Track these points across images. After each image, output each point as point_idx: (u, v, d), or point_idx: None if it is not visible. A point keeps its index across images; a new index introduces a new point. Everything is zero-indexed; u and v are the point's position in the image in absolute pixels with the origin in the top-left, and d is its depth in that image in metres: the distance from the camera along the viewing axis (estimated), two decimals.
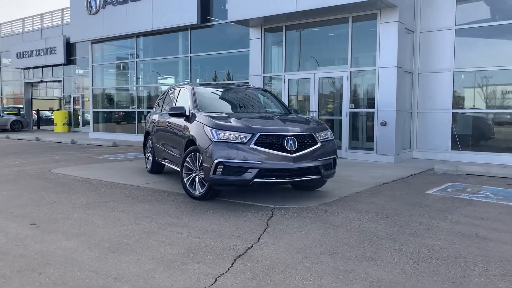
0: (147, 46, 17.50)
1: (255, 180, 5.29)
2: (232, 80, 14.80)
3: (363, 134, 11.15)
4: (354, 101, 11.08)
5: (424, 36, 10.99)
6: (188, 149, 6.00)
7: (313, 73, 11.50)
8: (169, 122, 7.13)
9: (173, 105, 7.25)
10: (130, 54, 17.96)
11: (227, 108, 6.92)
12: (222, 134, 5.45)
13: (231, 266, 3.56)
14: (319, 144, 5.74)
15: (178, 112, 6.44)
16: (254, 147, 5.34)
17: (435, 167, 9.03)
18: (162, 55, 16.94)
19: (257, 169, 5.27)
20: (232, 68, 14.97)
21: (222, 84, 7.97)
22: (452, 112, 10.66)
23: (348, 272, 3.45)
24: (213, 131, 5.51)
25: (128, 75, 18.43)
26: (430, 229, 4.66)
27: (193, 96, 6.66)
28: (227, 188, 5.78)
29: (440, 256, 3.82)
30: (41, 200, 5.99)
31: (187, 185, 6.03)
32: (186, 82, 7.82)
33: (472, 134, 10.66)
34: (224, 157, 5.33)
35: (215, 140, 5.44)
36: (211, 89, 7.38)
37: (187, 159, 5.98)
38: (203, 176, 5.67)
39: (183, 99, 6.99)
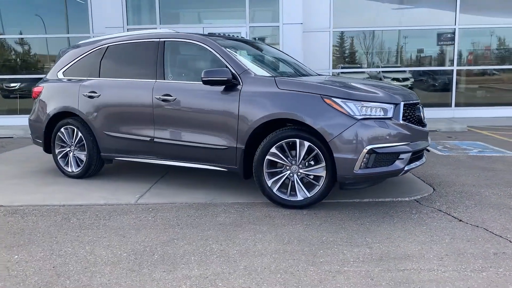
0: None
1: (406, 168, 3.86)
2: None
3: None
4: None
5: None
6: (273, 134, 3.87)
7: (201, 27, 9.54)
8: (168, 96, 4.41)
9: (157, 70, 4.55)
10: None
11: (268, 70, 4.77)
12: (366, 108, 3.70)
13: None
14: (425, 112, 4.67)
15: (223, 78, 4.02)
16: (403, 122, 3.85)
17: None
18: None
19: (410, 153, 3.84)
20: (50, 21, 10.86)
21: (229, 36, 5.38)
22: (332, 73, 10.83)
23: None
24: (352, 105, 3.68)
25: None
26: None
27: (225, 52, 4.29)
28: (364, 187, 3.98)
29: None
30: None
31: (273, 190, 3.93)
32: (170, 31, 4.94)
33: None
34: (375, 141, 3.65)
35: (359, 117, 3.65)
36: (229, 42, 4.83)
37: (273, 150, 3.86)
38: (318, 173, 3.81)
39: (187, 61, 4.52)
